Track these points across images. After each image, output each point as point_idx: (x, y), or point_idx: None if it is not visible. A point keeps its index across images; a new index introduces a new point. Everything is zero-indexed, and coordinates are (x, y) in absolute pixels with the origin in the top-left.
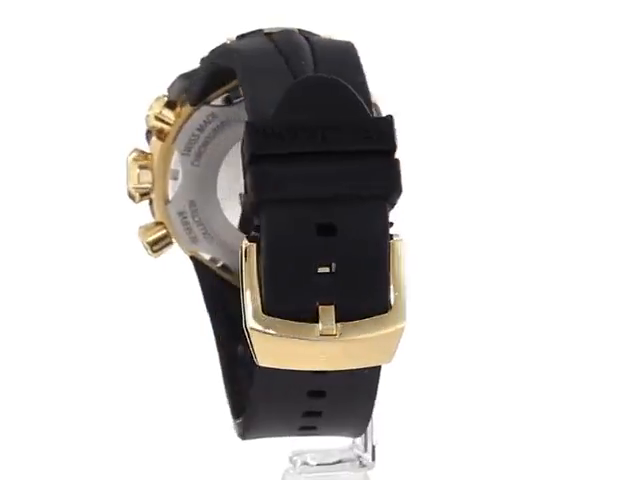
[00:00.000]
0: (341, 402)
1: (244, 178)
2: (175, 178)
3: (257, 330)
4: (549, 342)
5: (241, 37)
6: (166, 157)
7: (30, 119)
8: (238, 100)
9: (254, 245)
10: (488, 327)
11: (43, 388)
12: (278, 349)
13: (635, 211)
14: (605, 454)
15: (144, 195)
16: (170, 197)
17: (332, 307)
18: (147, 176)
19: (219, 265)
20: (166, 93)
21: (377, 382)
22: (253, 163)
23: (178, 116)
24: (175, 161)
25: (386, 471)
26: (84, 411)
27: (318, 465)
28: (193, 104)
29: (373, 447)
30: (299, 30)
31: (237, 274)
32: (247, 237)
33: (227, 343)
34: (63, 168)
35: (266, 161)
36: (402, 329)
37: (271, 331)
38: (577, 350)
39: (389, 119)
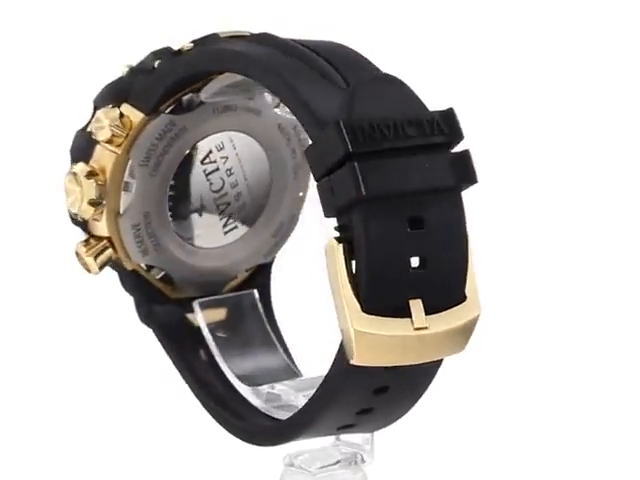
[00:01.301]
0: (398, 397)
1: (320, 179)
2: (127, 190)
3: (361, 331)
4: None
5: (200, 42)
6: (120, 169)
7: None
8: (196, 106)
9: (342, 245)
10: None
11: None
12: (376, 347)
13: None
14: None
15: (97, 210)
16: (122, 210)
17: (420, 300)
18: (102, 190)
19: (159, 276)
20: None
21: (435, 374)
22: (351, 161)
23: (128, 126)
24: (129, 172)
25: (386, 471)
26: (81, 413)
27: (316, 465)
28: (148, 113)
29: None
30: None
31: (179, 285)
32: (335, 237)
33: (184, 352)
34: None
35: (361, 159)
36: (478, 317)
37: (373, 330)
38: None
39: (452, 111)
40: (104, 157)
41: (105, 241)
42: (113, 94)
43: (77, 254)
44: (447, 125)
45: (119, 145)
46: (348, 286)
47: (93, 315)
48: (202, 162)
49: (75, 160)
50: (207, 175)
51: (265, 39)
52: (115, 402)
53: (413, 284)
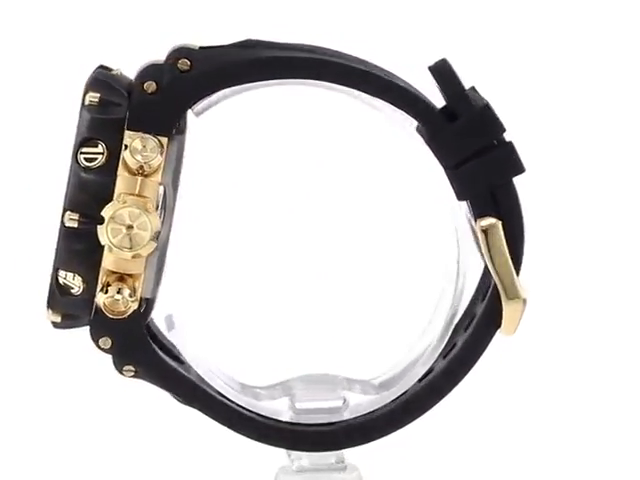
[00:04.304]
0: None
1: (463, 164)
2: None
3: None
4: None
5: (192, 57)
6: (156, 198)
7: None
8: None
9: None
10: None
11: None
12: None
13: None
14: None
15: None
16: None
17: None
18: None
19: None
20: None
21: None
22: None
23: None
24: (161, 200)
25: (381, 471)
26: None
27: (311, 464)
28: (169, 136)
29: None
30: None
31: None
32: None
33: (173, 376)
34: None
35: None
36: None
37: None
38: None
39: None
40: (148, 185)
41: (129, 279)
42: (109, 124)
43: (116, 299)
44: None
45: (153, 173)
46: (510, 259)
47: None
48: None
49: (95, 198)
50: None
51: (263, 44)
52: (115, 402)
53: None
